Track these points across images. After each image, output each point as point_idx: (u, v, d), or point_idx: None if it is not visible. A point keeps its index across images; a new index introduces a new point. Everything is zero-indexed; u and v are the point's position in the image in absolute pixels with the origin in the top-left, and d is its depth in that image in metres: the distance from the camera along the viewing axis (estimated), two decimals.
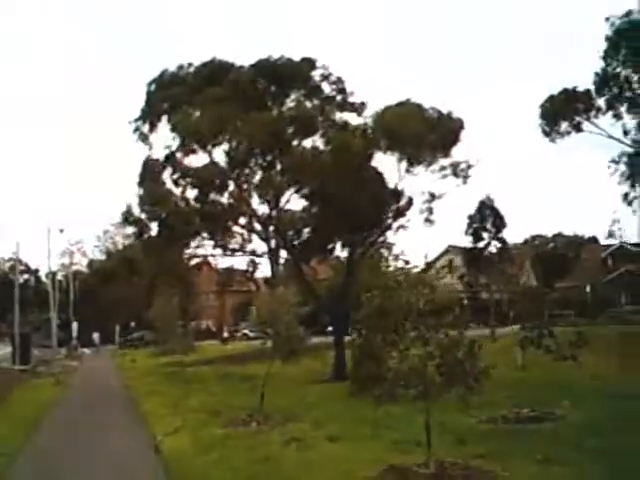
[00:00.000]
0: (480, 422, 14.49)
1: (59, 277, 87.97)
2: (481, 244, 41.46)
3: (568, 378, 19.29)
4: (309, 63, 42.82)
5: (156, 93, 40.35)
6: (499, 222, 40.71)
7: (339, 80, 42.60)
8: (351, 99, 42.22)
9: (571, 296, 64.33)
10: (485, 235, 41.10)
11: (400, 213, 27.61)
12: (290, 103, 42.32)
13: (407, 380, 9.53)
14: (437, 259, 72.40)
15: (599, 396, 17.05)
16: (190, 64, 41.26)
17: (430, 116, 27.06)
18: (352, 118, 41.33)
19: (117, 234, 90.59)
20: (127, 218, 32.10)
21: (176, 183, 31.46)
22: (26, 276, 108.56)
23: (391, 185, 27.21)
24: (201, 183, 34.41)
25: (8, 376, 37.39)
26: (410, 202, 28.54)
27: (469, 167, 27.13)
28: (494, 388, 12.42)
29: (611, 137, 28.65)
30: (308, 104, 42.07)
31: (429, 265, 75.84)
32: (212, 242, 39.84)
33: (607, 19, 28.16)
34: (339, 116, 41.73)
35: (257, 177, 37.70)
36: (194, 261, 46.79)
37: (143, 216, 31.24)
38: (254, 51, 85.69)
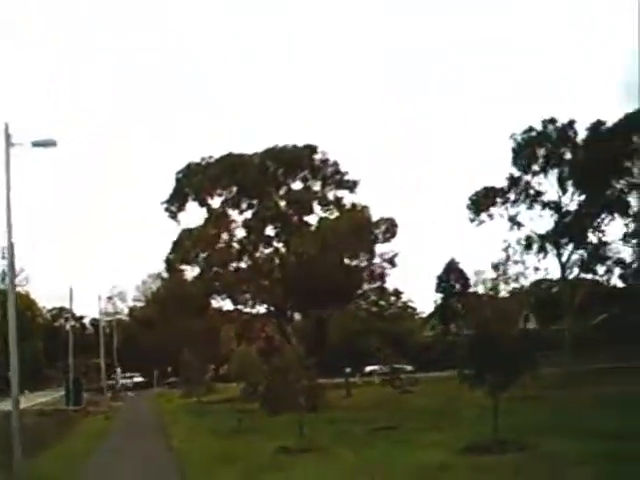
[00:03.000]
0: (364, 432, 25.24)
1: (103, 323, 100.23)
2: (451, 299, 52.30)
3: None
4: (310, 149, 54.39)
5: (182, 181, 52.36)
6: (463, 281, 51.25)
7: (335, 163, 54.16)
8: (346, 177, 53.84)
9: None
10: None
11: (357, 286, 39.19)
12: (297, 182, 53.99)
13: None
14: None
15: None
16: (210, 156, 53.08)
17: (369, 221, 38.69)
18: (346, 194, 52.89)
19: (153, 284, 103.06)
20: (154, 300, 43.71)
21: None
22: (72, 323, 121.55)
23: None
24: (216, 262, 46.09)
25: (66, 414, 49.13)
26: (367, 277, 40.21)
27: (395, 256, 39.06)
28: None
29: (513, 223, 39.48)
30: (314, 184, 53.63)
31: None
32: (230, 300, 51.18)
33: (511, 136, 39.20)
34: (334, 194, 53.44)
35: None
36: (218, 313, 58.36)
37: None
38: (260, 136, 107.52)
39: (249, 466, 17.77)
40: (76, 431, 36.90)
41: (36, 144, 18.78)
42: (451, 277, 51.30)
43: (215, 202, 50.72)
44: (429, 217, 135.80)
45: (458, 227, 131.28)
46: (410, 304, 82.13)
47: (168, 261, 45.35)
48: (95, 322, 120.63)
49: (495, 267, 37.92)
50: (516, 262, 37.14)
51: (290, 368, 20.81)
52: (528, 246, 39.11)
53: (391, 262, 40.81)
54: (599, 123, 37.89)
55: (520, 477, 13.75)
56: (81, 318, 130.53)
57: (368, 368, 70.27)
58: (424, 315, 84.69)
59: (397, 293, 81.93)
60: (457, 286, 51.54)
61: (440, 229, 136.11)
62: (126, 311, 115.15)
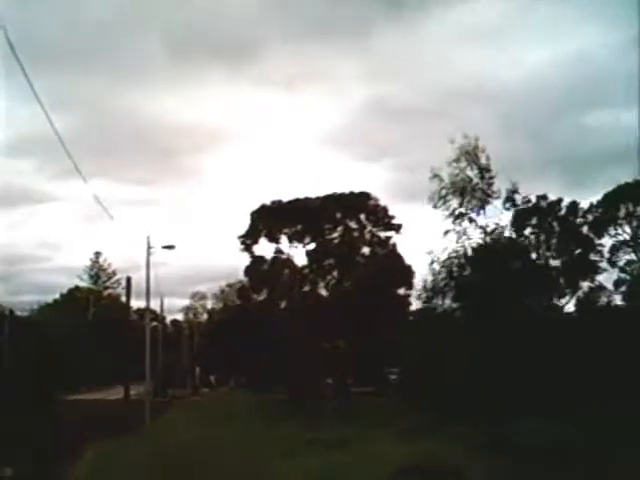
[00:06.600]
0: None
1: (184, 325, 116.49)
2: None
3: None
4: (365, 195, 67.41)
5: (256, 220, 66.38)
6: None
7: (385, 208, 67.10)
8: (393, 221, 66.95)
9: None
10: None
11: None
12: (352, 223, 67.51)
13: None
14: None
15: None
16: (280, 200, 66.68)
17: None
18: (393, 234, 65.67)
19: (231, 293, 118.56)
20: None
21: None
22: (154, 323, 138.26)
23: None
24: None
25: (158, 404, 64.25)
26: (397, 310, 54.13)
27: (408, 296, 53.14)
28: None
29: None
30: (367, 224, 66.78)
31: None
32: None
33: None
34: (382, 234, 66.53)
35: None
36: None
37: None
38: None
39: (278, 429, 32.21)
40: (166, 415, 51.68)
41: (164, 247, 33.68)
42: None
43: (283, 238, 64.69)
44: None
45: None
46: None
47: (241, 288, 60.19)
48: (176, 322, 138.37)
49: None
50: None
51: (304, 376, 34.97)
52: None
53: (404, 303, 54.65)
54: (575, 204, 50.16)
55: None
56: (163, 318, 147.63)
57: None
58: None
59: None
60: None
61: None
62: (205, 315, 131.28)
